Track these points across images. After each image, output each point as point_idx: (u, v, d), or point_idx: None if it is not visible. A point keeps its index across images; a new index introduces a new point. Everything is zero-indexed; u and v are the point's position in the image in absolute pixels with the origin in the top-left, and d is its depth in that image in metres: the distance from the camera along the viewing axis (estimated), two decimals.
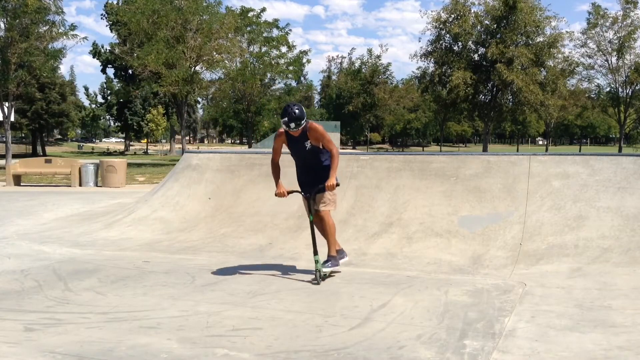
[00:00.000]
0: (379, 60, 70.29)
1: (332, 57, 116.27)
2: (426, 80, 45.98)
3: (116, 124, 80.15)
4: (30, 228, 8.43)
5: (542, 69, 41.71)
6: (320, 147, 5.19)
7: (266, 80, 46.79)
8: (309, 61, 49.16)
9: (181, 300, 4.56)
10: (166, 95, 41.91)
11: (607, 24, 45.46)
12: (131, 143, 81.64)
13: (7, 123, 26.48)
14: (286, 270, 5.67)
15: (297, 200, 7.61)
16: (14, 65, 25.75)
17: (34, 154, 58.27)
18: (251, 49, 44.19)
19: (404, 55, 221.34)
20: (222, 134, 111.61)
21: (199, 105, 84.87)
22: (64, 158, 19.61)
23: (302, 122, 4.98)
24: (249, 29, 43.42)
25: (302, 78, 66.80)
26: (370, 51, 72.01)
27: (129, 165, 21.21)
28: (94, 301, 4.52)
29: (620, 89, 47.18)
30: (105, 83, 73.97)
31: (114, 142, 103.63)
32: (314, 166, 5.26)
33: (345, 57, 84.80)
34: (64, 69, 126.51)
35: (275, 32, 45.94)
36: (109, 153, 63.06)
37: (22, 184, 17.34)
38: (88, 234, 7.78)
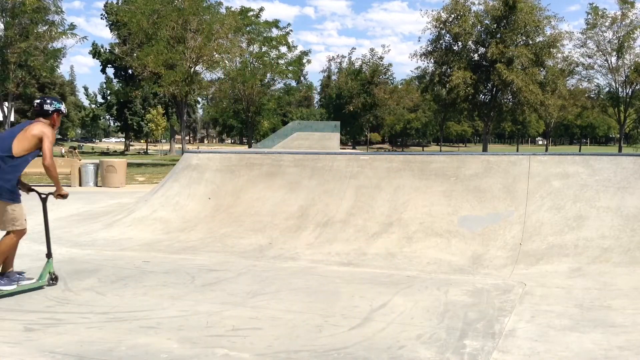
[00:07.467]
0: (381, 61, 70.46)
1: (332, 56, 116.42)
2: (426, 80, 45.99)
3: (116, 124, 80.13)
4: (30, 228, 8.39)
5: (542, 69, 41.71)
6: None
7: (266, 81, 46.77)
8: (309, 62, 49.15)
9: (181, 300, 4.56)
10: (166, 95, 41.94)
11: (607, 23, 45.45)
12: (131, 143, 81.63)
13: (7, 123, 26.48)
14: (286, 270, 5.66)
15: (297, 200, 7.63)
16: (13, 65, 25.74)
17: None
18: (250, 49, 44.18)
19: (394, 55, 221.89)
20: (222, 134, 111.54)
21: (199, 105, 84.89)
22: (64, 158, 19.60)
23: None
24: (248, 29, 43.41)
25: (302, 78, 66.72)
26: (372, 50, 72.10)
27: (129, 165, 21.20)
28: (94, 301, 4.52)
29: (620, 88, 47.17)
30: (105, 83, 73.89)
31: (114, 142, 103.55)
32: None
33: (345, 57, 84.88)
34: (63, 69, 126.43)
35: (275, 32, 45.92)
36: (107, 153, 63.04)
37: None
38: (88, 234, 7.77)
